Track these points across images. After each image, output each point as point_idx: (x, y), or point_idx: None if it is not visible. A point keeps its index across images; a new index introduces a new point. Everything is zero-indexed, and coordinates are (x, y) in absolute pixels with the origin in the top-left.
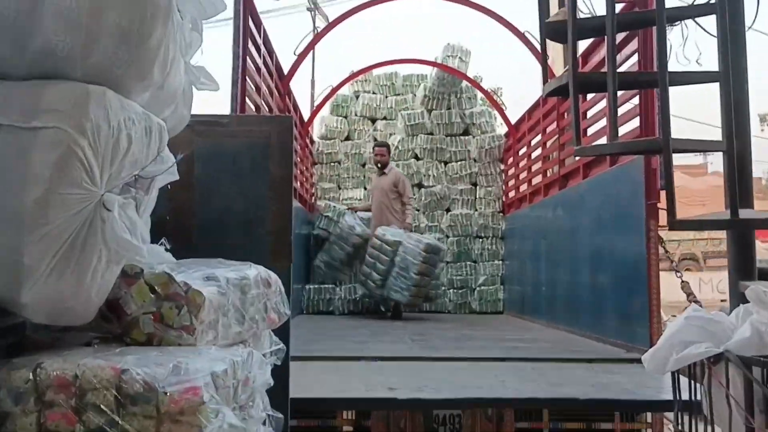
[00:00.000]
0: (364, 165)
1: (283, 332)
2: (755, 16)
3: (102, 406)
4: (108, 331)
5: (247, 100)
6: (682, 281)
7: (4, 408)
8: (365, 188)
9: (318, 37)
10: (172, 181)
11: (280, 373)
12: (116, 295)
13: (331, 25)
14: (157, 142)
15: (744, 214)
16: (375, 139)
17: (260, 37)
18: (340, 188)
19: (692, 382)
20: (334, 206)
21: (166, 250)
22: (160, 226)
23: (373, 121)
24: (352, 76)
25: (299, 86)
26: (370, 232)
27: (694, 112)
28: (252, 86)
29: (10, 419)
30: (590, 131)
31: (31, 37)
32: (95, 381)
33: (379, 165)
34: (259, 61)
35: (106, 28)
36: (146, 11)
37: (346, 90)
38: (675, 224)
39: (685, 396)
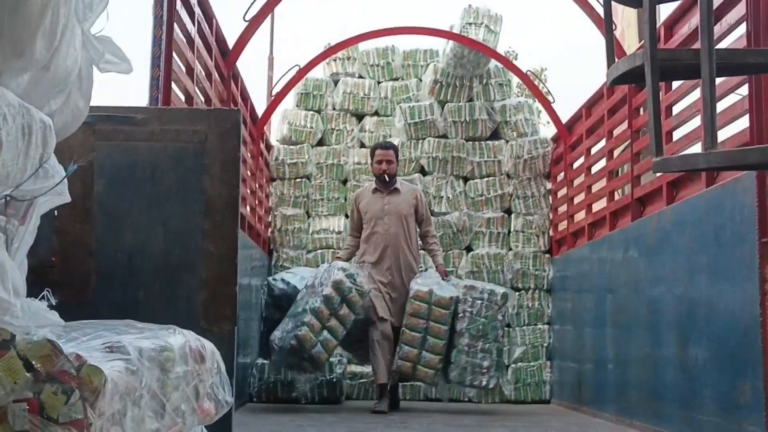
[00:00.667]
0: (345, 182)
1: (222, 427)
2: None
3: None
4: None
5: (173, 86)
6: None
7: None
8: (347, 216)
9: None
10: (60, 204)
11: None
12: None
13: None
14: (39, 147)
15: None
16: (361, 145)
17: None
18: (309, 215)
19: None
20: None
21: (50, 306)
22: (41, 272)
23: (360, 117)
24: (329, 51)
25: (251, 67)
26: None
27: None
28: (181, 66)
29: None
30: (676, 135)
31: None
32: None
33: (386, 177)
34: (193, 30)
35: None
36: None
37: (319, 72)
38: None
39: None
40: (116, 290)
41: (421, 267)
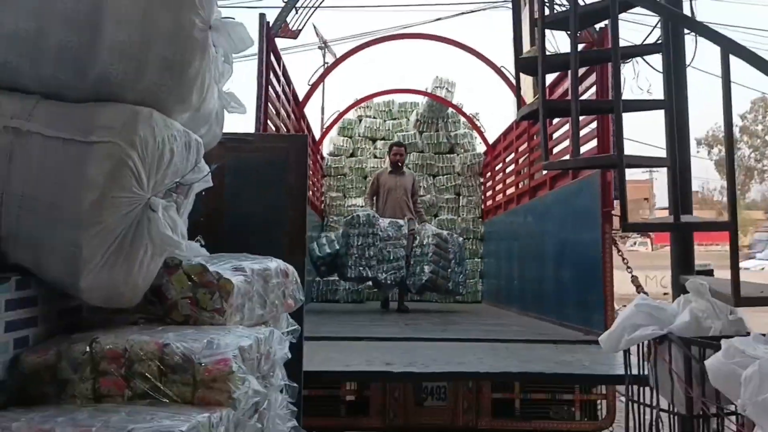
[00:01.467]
0: (365, 177)
1: (297, 315)
2: (693, 55)
3: (147, 375)
4: (152, 313)
5: (268, 122)
6: (633, 276)
7: (65, 376)
8: (366, 193)
9: (328, 70)
10: (206, 188)
11: (295, 350)
12: (159, 282)
13: (338, 61)
14: (194, 155)
15: (685, 218)
16: (374, 156)
17: (280, 69)
18: (345, 197)
19: (640, 359)
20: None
21: (201, 245)
22: (195, 227)
23: (374, 140)
24: (356, 102)
25: (311, 112)
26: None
27: (643, 135)
28: (273, 110)
29: (69, 385)
30: (555, 150)
31: (90, 65)
32: (141, 353)
33: (399, 164)
34: (279, 90)
35: (153, 59)
36: (187, 45)
37: (351, 114)
38: (627, 226)
39: (634, 371)
40: (237, 237)
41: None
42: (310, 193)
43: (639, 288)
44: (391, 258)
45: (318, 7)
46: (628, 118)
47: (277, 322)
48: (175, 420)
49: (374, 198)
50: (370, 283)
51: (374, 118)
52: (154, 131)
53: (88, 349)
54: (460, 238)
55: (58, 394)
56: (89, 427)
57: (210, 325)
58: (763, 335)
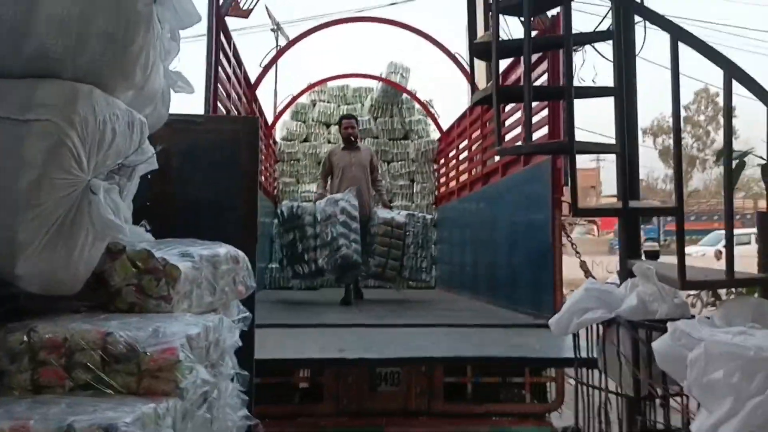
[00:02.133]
0: (319, 163)
1: (248, 302)
2: (642, 44)
3: (89, 365)
4: (94, 300)
5: (218, 104)
6: (581, 261)
7: (1, 367)
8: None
9: (280, 52)
10: (151, 170)
11: (246, 338)
12: (101, 268)
13: (291, 43)
14: (138, 135)
15: (633, 204)
16: (328, 141)
17: (230, 50)
18: (298, 182)
19: (589, 341)
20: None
21: (147, 231)
22: (141, 211)
23: (328, 125)
24: (310, 86)
25: (264, 95)
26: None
27: (590, 124)
28: (223, 92)
29: (6, 377)
30: (507, 138)
31: (27, 39)
32: (83, 342)
33: (352, 138)
34: (230, 71)
35: (94, 33)
36: (130, 19)
37: (304, 99)
38: (578, 211)
39: (583, 354)
40: (186, 221)
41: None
42: (263, 178)
43: (587, 273)
44: (329, 239)
45: None
46: (577, 107)
47: (227, 310)
48: (119, 411)
49: (328, 179)
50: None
51: (328, 102)
52: (95, 110)
53: (25, 338)
54: (429, 217)
55: None
56: (27, 420)
57: (156, 313)
58: (708, 318)
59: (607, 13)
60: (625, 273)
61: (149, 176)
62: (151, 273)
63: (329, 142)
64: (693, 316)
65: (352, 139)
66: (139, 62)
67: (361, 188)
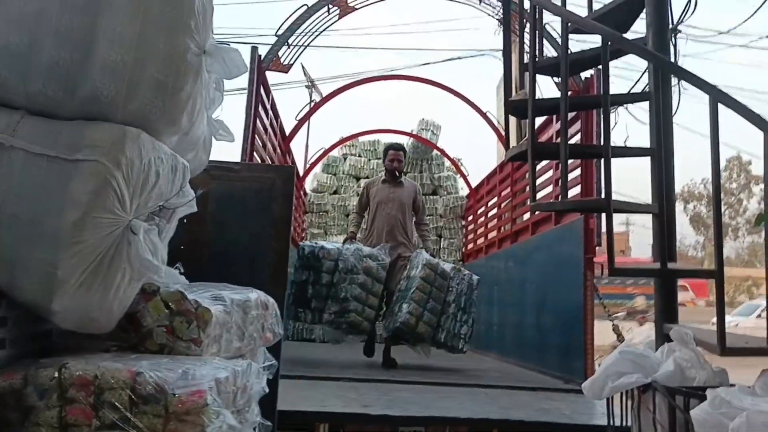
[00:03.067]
0: (347, 215)
1: (275, 350)
2: (678, 105)
3: (117, 404)
4: (125, 340)
5: (254, 153)
6: (614, 324)
7: (30, 402)
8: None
9: (316, 106)
10: (190, 213)
11: (270, 387)
12: (135, 308)
13: (326, 98)
14: (180, 179)
15: (671, 265)
16: (357, 194)
17: (269, 102)
18: (326, 234)
19: (623, 408)
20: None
21: (180, 273)
22: (176, 253)
23: (358, 179)
24: (342, 141)
25: (296, 147)
26: (381, 255)
27: (620, 186)
28: (259, 142)
29: (34, 412)
30: (538, 196)
31: (81, 83)
32: (112, 381)
33: (396, 173)
34: (267, 123)
35: (146, 80)
36: (180, 68)
37: (336, 152)
38: (614, 271)
39: (617, 421)
40: (219, 266)
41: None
42: (292, 228)
43: (619, 336)
44: (341, 296)
45: (309, 45)
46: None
47: (255, 356)
48: None
49: (363, 215)
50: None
51: (359, 156)
52: (141, 152)
53: (56, 374)
54: (475, 277)
55: (22, 421)
56: None
57: (186, 356)
58: (749, 387)
59: (642, 74)
60: (662, 337)
61: (185, 220)
62: (183, 315)
63: (358, 195)
64: (733, 385)
65: (396, 173)
66: (186, 109)
67: (394, 230)
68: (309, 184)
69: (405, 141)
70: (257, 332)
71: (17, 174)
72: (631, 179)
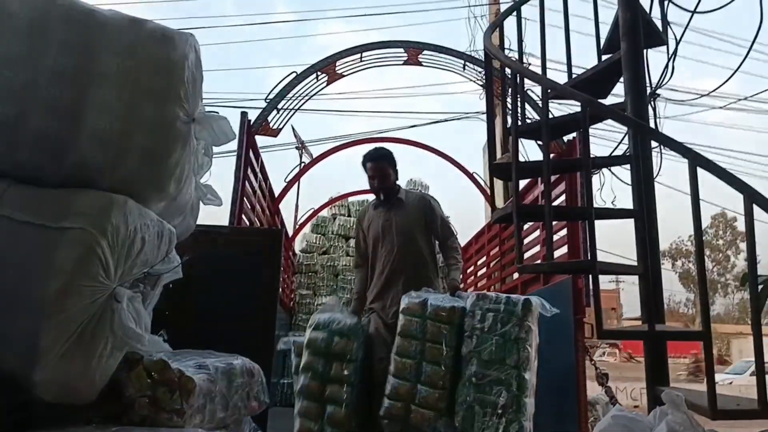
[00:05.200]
0: (337, 275)
1: (261, 419)
2: (659, 168)
3: None
4: (107, 411)
5: (243, 216)
6: (606, 386)
7: None
8: (338, 296)
9: (304, 169)
10: (174, 279)
11: None
12: (117, 378)
13: (315, 160)
14: (166, 245)
15: (659, 327)
16: (347, 254)
17: (258, 165)
18: (315, 294)
19: None
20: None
21: (164, 340)
22: (160, 318)
23: (347, 239)
24: (331, 201)
25: (286, 208)
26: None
27: (608, 242)
28: (248, 205)
29: None
30: (525, 256)
31: (69, 151)
32: None
33: (384, 188)
34: (255, 185)
35: (134, 147)
36: (168, 136)
37: (325, 213)
38: (602, 333)
39: None
40: (204, 332)
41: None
42: (280, 289)
43: (612, 399)
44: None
45: (299, 109)
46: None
47: (239, 426)
48: None
49: (366, 263)
50: None
51: (348, 216)
52: (127, 219)
53: None
54: (536, 301)
55: None
56: None
57: (168, 427)
58: None
59: (623, 138)
60: (654, 400)
61: (170, 285)
62: (166, 385)
63: (348, 254)
64: None
65: (384, 189)
66: (174, 176)
67: (403, 274)
68: (298, 244)
69: None
70: (242, 401)
71: (1, 242)
72: (626, 234)
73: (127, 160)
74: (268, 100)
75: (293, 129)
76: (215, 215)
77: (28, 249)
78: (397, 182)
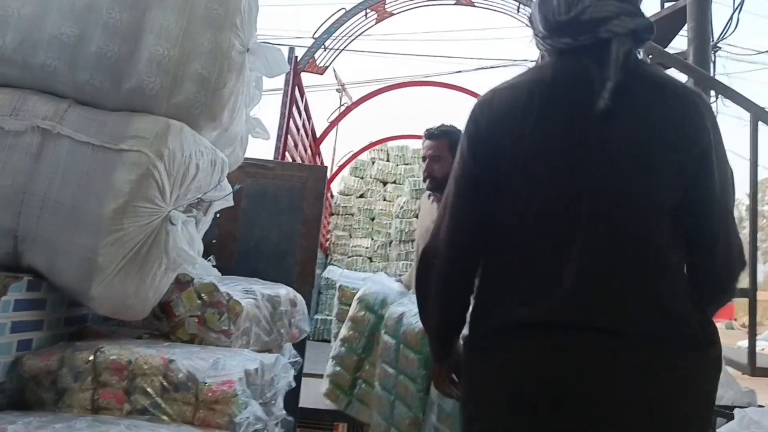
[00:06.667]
0: (373, 219)
1: (300, 347)
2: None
3: (149, 390)
4: (158, 328)
5: (287, 153)
6: None
7: (65, 384)
8: (372, 239)
9: (348, 109)
10: (221, 209)
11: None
12: (168, 298)
13: (358, 102)
14: (219, 173)
15: None
16: (384, 198)
17: (302, 103)
18: (350, 236)
19: None
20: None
21: (213, 266)
22: (208, 247)
23: (385, 183)
24: (370, 145)
25: (324, 150)
26: None
27: None
28: (291, 142)
29: (68, 394)
30: None
31: (127, 75)
32: (145, 367)
33: (430, 179)
34: (299, 123)
35: (190, 75)
36: (224, 64)
37: (364, 156)
38: None
39: None
40: (249, 261)
41: None
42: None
43: None
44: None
45: (345, 49)
46: None
47: (281, 351)
48: None
49: None
50: None
51: (387, 161)
52: (183, 145)
53: (91, 358)
54: None
55: (56, 401)
56: None
57: (216, 347)
58: None
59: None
60: None
61: (218, 215)
62: (215, 306)
63: (384, 199)
64: (761, 405)
65: (430, 184)
66: (227, 105)
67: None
68: (336, 186)
69: None
70: (285, 328)
71: (62, 161)
72: None
73: (183, 87)
74: (315, 38)
75: (334, 70)
76: (259, 150)
77: (87, 168)
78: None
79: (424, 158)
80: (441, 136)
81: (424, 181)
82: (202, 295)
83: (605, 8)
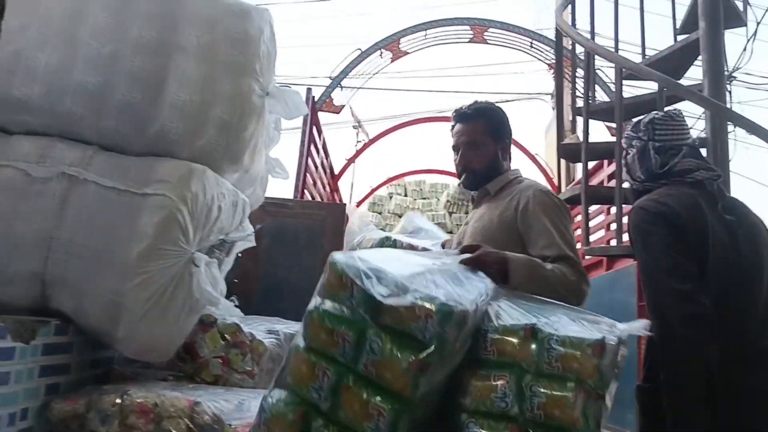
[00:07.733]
0: None
1: None
2: (733, 153)
3: None
4: (182, 370)
5: (305, 191)
6: None
7: (92, 427)
8: None
9: (365, 146)
10: (249, 247)
11: None
12: (192, 339)
13: (375, 138)
14: (240, 214)
15: None
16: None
17: (320, 141)
18: None
19: None
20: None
21: (235, 306)
22: (229, 286)
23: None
24: (389, 180)
25: (342, 186)
26: None
27: None
28: (310, 180)
29: None
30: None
31: (151, 121)
32: (172, 410)
33: (465, 173)
34: (318, 161)
35: (212, 120)
36: (245, 109)
37: (382, 191)
38: None
39: None
40: (270, 300)
41: None
42: None
43: None
44: None
45: (362, 87)
46: None
47: None
48: None
49: None
50: None
51: (405, 196)
52: (206, 188)
53: (118, 401)
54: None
55: None
56: None
57: (240, 387)
58: None
59: (697, 120)
60: None
61: (239, 254)
62: (238, 347)
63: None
64: None
65: (465, 179)
66: (248, 148)
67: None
68: None
69: (450, 181)
70: None
71: (88, 206)
72: None
73: (206, 131)
74: (332, 78)
75: (350, 108)
76: (278, 188)
77: (113, 213)
78: (506, 161)
79: (455, 147)
80: (476, 117)
81: (459, 177)
82: (226, 335)
83: (687, 164)
